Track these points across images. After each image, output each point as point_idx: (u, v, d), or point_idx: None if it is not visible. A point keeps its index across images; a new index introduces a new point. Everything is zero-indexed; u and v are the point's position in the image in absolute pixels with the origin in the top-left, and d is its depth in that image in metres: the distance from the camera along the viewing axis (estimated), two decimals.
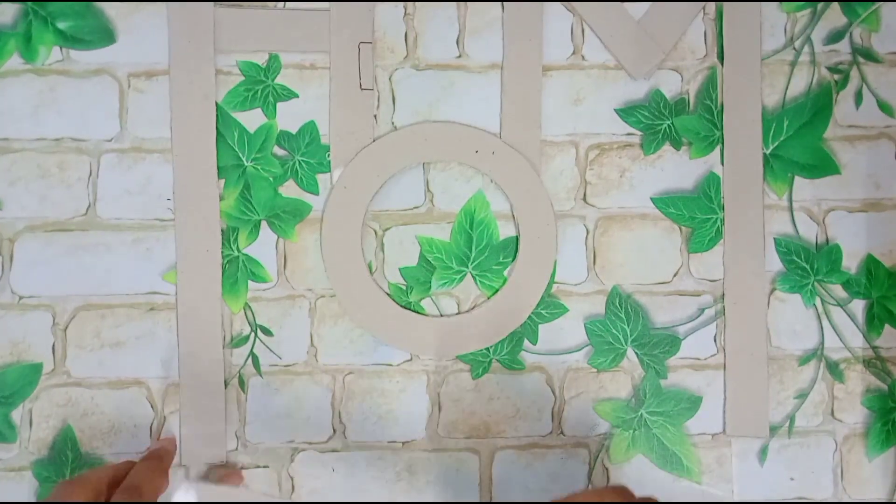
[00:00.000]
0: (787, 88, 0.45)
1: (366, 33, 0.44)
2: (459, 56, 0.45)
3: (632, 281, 0.45)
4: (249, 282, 0.44)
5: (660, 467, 0.45)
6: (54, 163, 0.43)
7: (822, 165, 0.46)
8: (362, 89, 0.44)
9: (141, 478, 0.38)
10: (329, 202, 0.44)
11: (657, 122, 0.45)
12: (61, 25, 0.43)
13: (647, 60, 0.45)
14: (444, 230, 0.45)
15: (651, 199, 0.45)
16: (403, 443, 0.44)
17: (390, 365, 0.44)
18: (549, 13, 0.45)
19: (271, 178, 0.44)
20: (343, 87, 0.44)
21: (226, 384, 0.43)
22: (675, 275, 0.45)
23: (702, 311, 0.45)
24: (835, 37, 0.46)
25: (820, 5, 0.46)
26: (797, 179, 0.45)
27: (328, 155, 0.44)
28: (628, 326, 0.45)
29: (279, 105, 0.44)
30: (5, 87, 0.43)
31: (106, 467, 0.38)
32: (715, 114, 0.45)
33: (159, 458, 0.41)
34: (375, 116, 0.44)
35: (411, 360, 0.44)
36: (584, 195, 0.45)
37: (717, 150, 0.45)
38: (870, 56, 0.46)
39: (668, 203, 0.45)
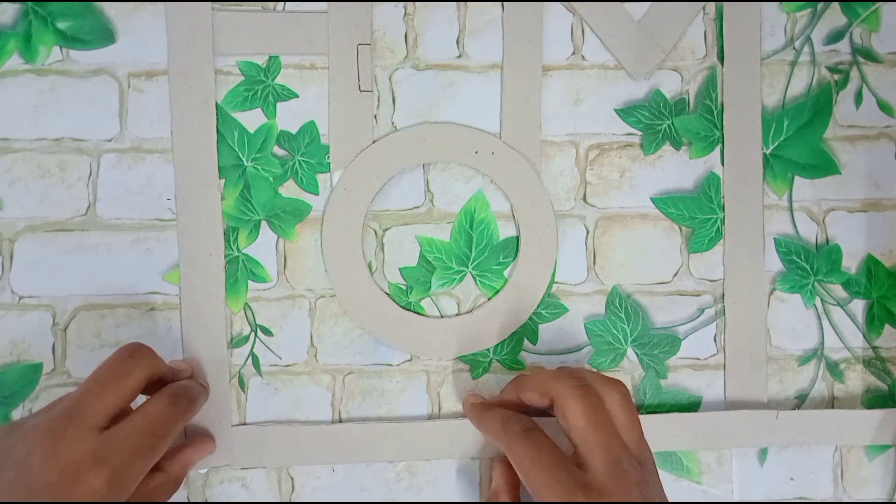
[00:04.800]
0: (787, 88, 0.45)
1: (364, 35, 0.44)
2: (459, 56, 0.45)
3: (632, 281, 0.45)
4: (249, 282, 0.44)
5: (659, 467, 0.44)
6: (54, 163, 0.43)
7: (822, 165, 0.46)
8: (361, 91, 0.44)
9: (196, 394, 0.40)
10: (329, 203, 0.44)
11: (657, 122, 0.45)
12: (61, 25, 0.43)
13: (647, 60, 0.45)
14: (444, 230, 0.45)
15: (651, 199, 0.45)
16: None
17: (390, 365, 0.44)
18: (549, 13, 0.45)
19: (271, 178, 0.44)
20: (342, 90, 0.44)
21: None
22: (675, 275, 0.45)
23: (702, 311, 0.45)
24: (835, 37, 0.46)
25: (820, 5, 0.46)
26: (797, 179, 0.45)
27: (328, 156, 0.44)
28: (628, 326, 0.45)
29: (279, 105, 0.44)
30: (5, 87, 0.43)
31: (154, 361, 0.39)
32: (715, 114, 0.45)
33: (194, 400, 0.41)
34: (375, 116, 0.44)
35: (411, 360, 0.44)
36: (584, 195, 0.45)
37: (717, 150, 0.45)
38: (870, 56, 0.46)
39: (668, 203, 0.45)
